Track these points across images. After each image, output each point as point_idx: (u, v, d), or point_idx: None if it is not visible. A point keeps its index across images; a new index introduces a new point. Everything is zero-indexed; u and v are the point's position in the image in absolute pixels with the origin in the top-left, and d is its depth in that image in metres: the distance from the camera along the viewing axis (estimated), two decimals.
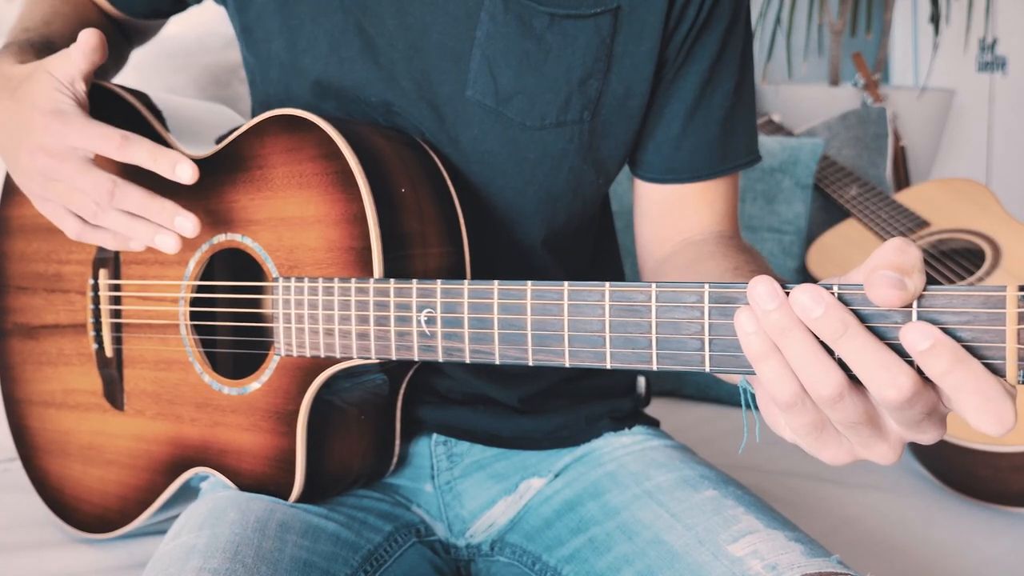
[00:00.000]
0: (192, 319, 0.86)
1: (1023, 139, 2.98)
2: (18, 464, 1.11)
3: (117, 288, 0.91)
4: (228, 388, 0.83)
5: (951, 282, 1.58)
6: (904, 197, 1.84)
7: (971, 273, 1.59)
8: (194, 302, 0.86)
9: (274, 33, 0.87)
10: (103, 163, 0.80)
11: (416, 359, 0.69)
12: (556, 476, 0.92)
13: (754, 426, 0.64)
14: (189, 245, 0.85)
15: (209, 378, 0.84)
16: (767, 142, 1.81)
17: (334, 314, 0.74)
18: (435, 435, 0.92)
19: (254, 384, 0.81)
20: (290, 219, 0.78)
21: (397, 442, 0.88)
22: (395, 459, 0.89)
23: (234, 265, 0.87)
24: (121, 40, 1.06)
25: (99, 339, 0.93)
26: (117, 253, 0.91)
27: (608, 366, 0.60)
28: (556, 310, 0.62)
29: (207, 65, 1.53)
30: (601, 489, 0.87)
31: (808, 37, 2.85)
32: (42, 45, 0.91)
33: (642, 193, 0.95)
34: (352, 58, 0.85)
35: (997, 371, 0.48)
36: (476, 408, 0.92)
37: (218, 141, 0.85)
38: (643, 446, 0.92)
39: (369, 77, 0.85)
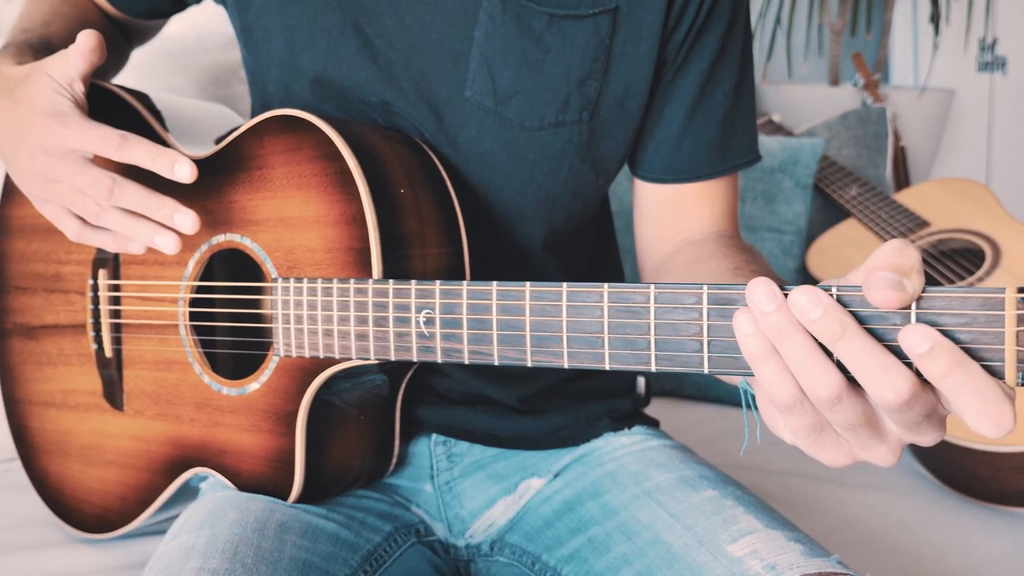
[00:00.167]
0: (191, 319, 0.86)
1: (1023, 139, 2.98)
2: (18, 464, 1.11)
3: (116, 288, 0.91)
4: (227, 388, 0.83)
5: (951, 282, 1.58)
6: (904, 197, 1.84)
7: (971, 273, 1.59)
8: (193, 302, 0.86)
9: (273, 32, 0.87)
10: (102, 164, 0.80)
11: (415, 360, 0.69)
12: (556, 476, 0.92)
13: (755, 427, 0.64)
14: (188, 245, 0.85)
15: (208, 378, 0.84)
16: (767, 142, 1.81)
17: (333, 315, 0.74)
18: (435, 435, 0.92)
19: (253, 384, 0.81)
20: (289, 219, 0.78)
21: (396, 442, 0.88)
22: (394, 459, 0.89)
23: (233, 265, 0.87)
24: (121, 40, 1.06)
25: (99, 339, 0.93)
26: (117, 253, 0.91)
27: (607, 367, 0.60)
28: (555, 311, 0.62)
29: (207, 65, 1.53)
30: (601, 489, 0.87)
31: (808, 37, 2.84)
32: (41, 46, 0.90)
33: (642, 193, 0.95)
34: (350, 58, 0.85)
35: (996, 373, 0.48)
36: (475, 408, 0.92)
37: (218, 142, 0.85)
38: (643, 446, 0.92)
39: (368, 77, 0.85)
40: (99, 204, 0.77)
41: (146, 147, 0.75)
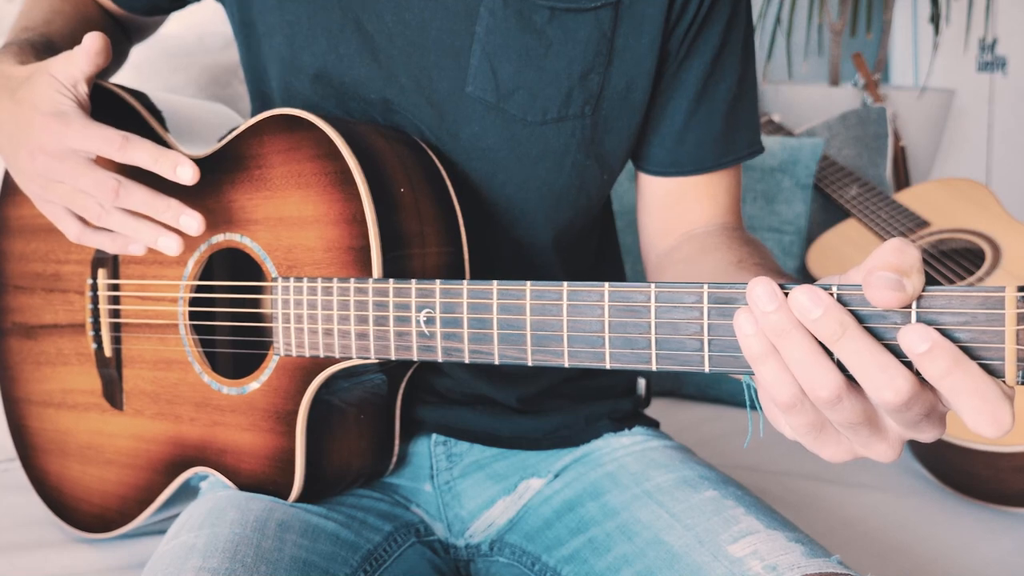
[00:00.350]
0: (191, 319, 0.86)
1: (1023, 139, 2.98)
2: (18, 464, 1.11)
3: (116, 288, 0.91)
4: (227, 388, 0.83)
5: (951, 282, 1.58)
6: (904, 197, 1.84)
7: (971, 273, 1.59)
8: (193, 302, 0.86)
9: (273, 29, 0.87)
10: (103, 164, 0.80)
11: (415, 359, 0.69)
12: (556, 476, 0.92)
13: (758, 423, 0.64)
14: (188, 245, 0.84)
15: (208, 378, 0.84)
16: (767, 142, 1.81)
17: (333, 314, 0.74)
18: (434, 435, 0.92)
19: (253, 384, 0.81)
20: (289, 219, 0.78)
21: (396, 442, 0.88)
22: (394, 459, 0.89)
23: (233, 265, 0.87)
24: (121, 38, 1.05)
25: (98, 339, 0.93)
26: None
27: (607, 366, 0.60)
28: (555, 310, 0.62)
29: (207, 65, 1.53)
30: (601, 489, 0.87)
31: (808, 37, 2.84)
32: (42, 45, 0.90)
33: (645, 186, 0.95)
34: (351, 55, 0.85)
35: (995, 372, 0.48)
36: (475, 408, 0.92)
37: (218, 141, 0.85)
38: (643, 446, 0.92)
39: (368, 74, 0.85)
40: (102, 205, 0.77)
41: (148, 148, 0.75)
